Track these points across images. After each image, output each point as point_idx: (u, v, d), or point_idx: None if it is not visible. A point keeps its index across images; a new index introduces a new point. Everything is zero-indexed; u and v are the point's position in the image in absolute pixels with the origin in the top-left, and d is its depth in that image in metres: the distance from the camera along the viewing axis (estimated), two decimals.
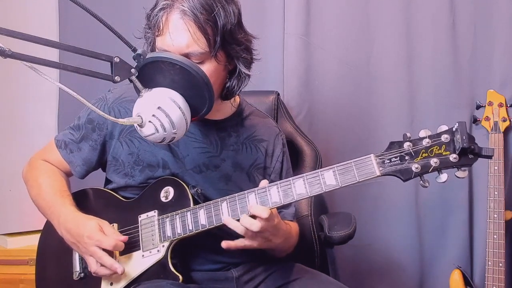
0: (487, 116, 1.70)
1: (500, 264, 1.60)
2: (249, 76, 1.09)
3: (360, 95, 1.82)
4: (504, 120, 1.67)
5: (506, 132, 1.70)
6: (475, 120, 1.74)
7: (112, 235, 1.02)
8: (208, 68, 1.01)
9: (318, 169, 1.22)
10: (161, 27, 0.99)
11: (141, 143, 1.13)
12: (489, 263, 1.62)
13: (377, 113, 1.82)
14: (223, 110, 1.17)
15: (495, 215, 1.62)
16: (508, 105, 1.69)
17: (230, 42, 1.03)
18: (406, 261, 1.82)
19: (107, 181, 1.21)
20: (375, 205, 1.82)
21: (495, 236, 1.62)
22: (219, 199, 1.02)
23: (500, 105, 1.69)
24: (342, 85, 1.82)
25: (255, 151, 1.20)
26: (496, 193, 1.63)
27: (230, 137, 1.18)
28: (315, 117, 1.83)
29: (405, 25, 1.78)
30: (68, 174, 1.23)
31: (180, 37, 0.97)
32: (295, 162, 1.49)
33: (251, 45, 1.09)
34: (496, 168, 1.63)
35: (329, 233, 1.29)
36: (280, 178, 1.23)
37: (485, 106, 1.71)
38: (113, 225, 1.10)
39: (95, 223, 1.03)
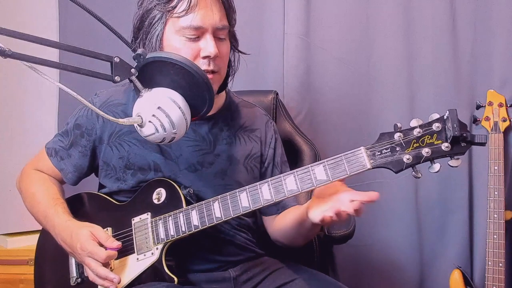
0: (487, 116, 1.70)
1: (500, 264, 1.60)
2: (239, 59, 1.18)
3: (360, 95, 1.82)
4: (504, 120, 1.67)
5: (506, 132, 1.69)
6: (475, 120, 1.74)
7: (105, 242, 1.01)
8: (228, 46, 1.10)
9: None
10: (192, 3, 1.02)
11: (131, 147, 1.13)
12: (489, 263, 1.62)
13: (377, 113, 1.81)
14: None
15: (495, 215, 1.62)
16: (508, 105, 1.69)
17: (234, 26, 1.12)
18: (406, 261, 1.82)
19: (101, 186, 1.21)
20: (374, 205, 1.79)
21: (495, 236, 1.62)
22: (211, 199, 1.02)
23: (500, 105, 1.69)
24: (342, 85, 1.82)
25: (249, 142, 1.20)
26: (496, 193, 1.63)
27: (222, 131, 1.17)
28: (314, 117, 1.83)
29: (405, 25, 1.78)
30: (61, 182, 1.22)
31: (215, 11, 1.04)
32: (294, 161, 1.49)
33: None
34: (496, 168, 1.63)
35: (329, 233, 1.29)
36: (274, 164, 1.24)
37: (485, 106, 1.71)
38: (106, 229, 1.10)
39: (87, 232, 1.01)
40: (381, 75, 1.81)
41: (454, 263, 1.75)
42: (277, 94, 1.60)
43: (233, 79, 1.18)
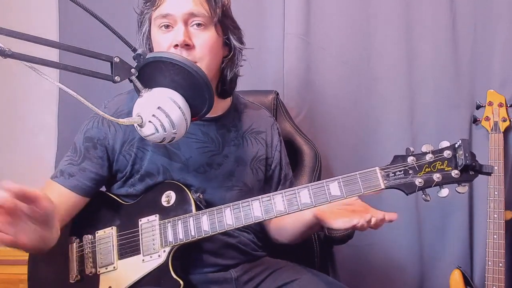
0: (487, 116, 1.70)
1: (500, 264, 1.60)
2: (241, 52, 1.14)
3: (360, 95, 1.82)
4: (504, 120, 1.67)
5: (506, 132, 1.69)
6: (475, 120, 1.74)
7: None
8: (210, 35, 1.05)
9: (317, 169, 1.20)
10: None
11: (144, 153, 1.12)
12: (489, 263, 1.62)
13: (377, 113, 1.81)
14: (219, 105, 1.17)
15: (495, 215, 1.62)
16: (508, 105, 1.69)
17: (227, 17, 1.09)
18: (406, 261, 1.82)
19: (108, 188, 1.20)
20: (375, 205, 1.81)
21: (495, 236, 1.62)
22: (222, 206, 1.01)
23: (500, 105, 1.68)
24: (342, 85, 1.82)
25: (255, 144, 1.21)
26: (496, 193, 1.63)
27: (230, 132, 1.18)
28: (315, 117, 1.83)
29: (405, 25, 1.78)
30: (70, 211, 1.10)
31: None
32: (295, 161, 1.49)
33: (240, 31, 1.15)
34: (496, 168, 1.63)
35: (329, 233, 1.29)
36: (281, 167, 1.25)
37: (485, 106, 1.71)
38: (111, 228, 1.10)
39: None
40: (381, 75, 1.80)
41: (454, 263, 1.75)
42: (277, 94, 1.60)
43: (232, 75, 1.16)
